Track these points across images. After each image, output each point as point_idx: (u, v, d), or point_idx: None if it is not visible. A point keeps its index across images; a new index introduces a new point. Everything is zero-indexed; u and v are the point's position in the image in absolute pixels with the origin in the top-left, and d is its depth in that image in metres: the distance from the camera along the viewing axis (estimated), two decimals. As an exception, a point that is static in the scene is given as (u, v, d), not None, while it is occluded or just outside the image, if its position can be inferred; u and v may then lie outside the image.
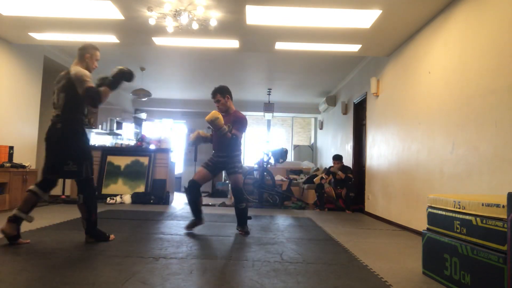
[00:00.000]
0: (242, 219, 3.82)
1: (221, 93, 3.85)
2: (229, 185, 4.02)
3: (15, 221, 2.87)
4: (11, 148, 5.13)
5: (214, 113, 3.59)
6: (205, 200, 7.67)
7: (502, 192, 2.69)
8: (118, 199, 6.22)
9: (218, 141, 3.83)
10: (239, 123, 3.77)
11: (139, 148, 6.90)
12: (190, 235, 3.61)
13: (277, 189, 7.09)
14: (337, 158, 6.68)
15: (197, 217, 3.80)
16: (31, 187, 2.98)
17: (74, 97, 2.92)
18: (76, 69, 2.93)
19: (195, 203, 3.79)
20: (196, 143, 3.97)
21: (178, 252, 2.86)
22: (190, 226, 3.78)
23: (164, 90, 9.35)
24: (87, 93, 2.88)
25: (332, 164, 6.76)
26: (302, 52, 5.44)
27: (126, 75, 3.07)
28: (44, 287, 1.96)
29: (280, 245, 3.25)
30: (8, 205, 4.80)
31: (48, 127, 2.99)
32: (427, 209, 2.53)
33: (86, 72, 2.95)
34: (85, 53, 3.07)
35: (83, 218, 3.04)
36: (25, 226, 3.71)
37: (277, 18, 4.18)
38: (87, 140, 3.12)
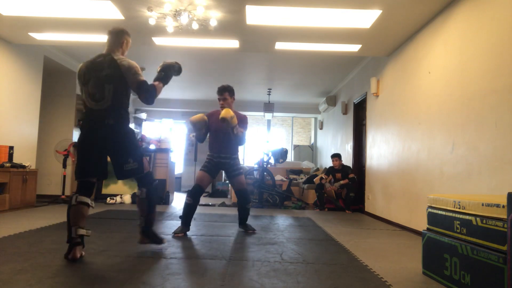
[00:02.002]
0: (246, 218, 3.95)
1: (230, 93, 3.82)
2: (232, 187, 3.95)
3: (81, 241, 2.54)
4: (11, 148, 5.13)
5: (229, 111, 3.55)
6: (205, 200, 7.67)
7: (502, 192, 2.69)
8: (118, 199, 6.22)
9: (220, 141, 3.79)
10: (244, 123, 3.82)
11: (139, 148, 6.89)
12: (190, 235, 3.60)
13: (277, 189, 7.09)
14: (336, 156, 6.68)
15: (188, 224, 3.67)
16: (83, 199, 2.56)
17: (123, 89, 2.64)
18: (123, 58, 2.66)
19: (194, 209, 3.69)
20: (196, 126, 3.71)
21: (178, 252, 2.86)
22: (179, 232, 3.59)
23: (164, 90, 9.26)
24: (143, 86, 2.62)
25: (331, 163, 6.76)
26: (302, 52, 5.44)
27: (175, 69, 2.88)
28: (44, 287, 1.96)
29: (280, 245, 3.25)
30: (8, 205, 4.81)
31: (92, 124, 2.61)
32: (427, 209, 2.53)
33: (136, 64, 2.67)
34: (123, 39, 2.77)
35: (141, 215, 2.79)
36: (25, 226, 3.72)
37: (277, 18, 4.18)
38: (135, 135, 2.85)
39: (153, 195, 2.80)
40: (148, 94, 2.65)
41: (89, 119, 2.63)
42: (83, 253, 2.55)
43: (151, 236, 2.84)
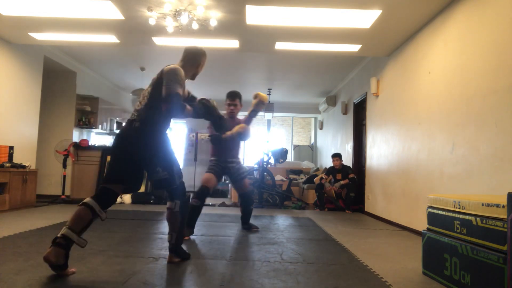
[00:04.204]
0: (249, 219, 4.09)
1: (240, 99, 3.92)
2: (236, 190, 4.00)
3: (63, 244, 2.11)
4: (11, 148, 5.13)
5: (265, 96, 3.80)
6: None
7: (502, 192, 2.69)
8: (118, 199, 6.21)
9: (227, 146, 3.78)
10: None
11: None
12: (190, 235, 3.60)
13: (277, 189, 7.09)
14: (336, 155, 6.68)
15: (193, 226, 3.59)
16: (86, 199, 2.25)
17: (160, 94, 2.41)
18: (173, 66, 2.49)
19: (199, 211, 3.63)
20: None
21: (178, 252, 2.85)
22: (185, 235, 3.41)
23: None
24: (170, 96, 2.35)
25: (331, 163, 6.75)
26: (302, 52, 5.44)
27: (211, 112, 2.69)
28: (44, 287, 1.96)
29: (280, 245, 3.25)
30: (8, 205, 4.81)
31: (124, 126, 2.47)
32: (427, 209, 2.53)
33: (182, 74, 2.46)
34: (198, 62, 2.66)
35: (172, 230, 2.56)
36: (25, 226, 3.72)
37: (277, 18, 4.18)
38: (170, 143, 2.56)
39: (185, 209, 2.61)
40: (171, 106, 2.37)
41: (125, 123, 2.47)
42: (63, 258, 2.12)
43: (180, 253, 2.61)
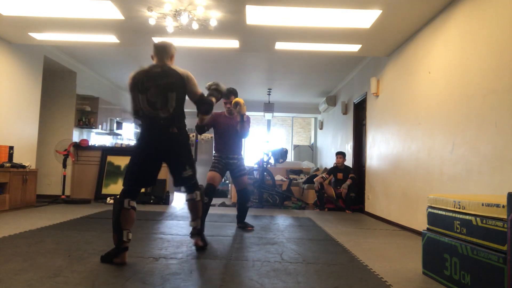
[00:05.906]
0: (245, 217, 4.13)
1: (235, 96, 3.96)
2: (235, 186, 4.10)
3: (128, 247, 2.50)
4: (11, 148, 5.13)
5: (240, 99, 3.76)
6: (205, 200, 7.66)
7: (502, 192, 2.69)
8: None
9: (228, 143, 3.95)
10: (248, 122, 4.01)
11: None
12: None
13: (277, 189, 7.08)
14: (340, 153, 6.67)
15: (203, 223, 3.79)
16: (132, 203, 2.56)
17: (184, 98, 2.71)
18: (180, 69, 2.74)
19: (208, 208, 3.76)
20: (235, 106, 3.78)
21: (178, 252, 2.86)
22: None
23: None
24: (204, 98, 2.77)
25: (332, 163, 6.75)
26: (302, 52, 5.44)
27: (222, 93, 3.04)
28: (44, 287, 1.96)
29: (280, 245, 3.26)
30: (8, 205, 4.81)
31: (155, 133, 2.63)
32: (427, 209, 2.53)
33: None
34: (173, 53, 2.82)
35: (196, 217, 2.86)
36: (25, 226, 3.72)
37: (277, 18, 4.18)
38: None
39: (204, 197, 2.93)
40: (209, 106, 2.81)
41: (151, 128, 2.64)
42: (126, 257, 2.49)
43: (204, 238, 2.98)
